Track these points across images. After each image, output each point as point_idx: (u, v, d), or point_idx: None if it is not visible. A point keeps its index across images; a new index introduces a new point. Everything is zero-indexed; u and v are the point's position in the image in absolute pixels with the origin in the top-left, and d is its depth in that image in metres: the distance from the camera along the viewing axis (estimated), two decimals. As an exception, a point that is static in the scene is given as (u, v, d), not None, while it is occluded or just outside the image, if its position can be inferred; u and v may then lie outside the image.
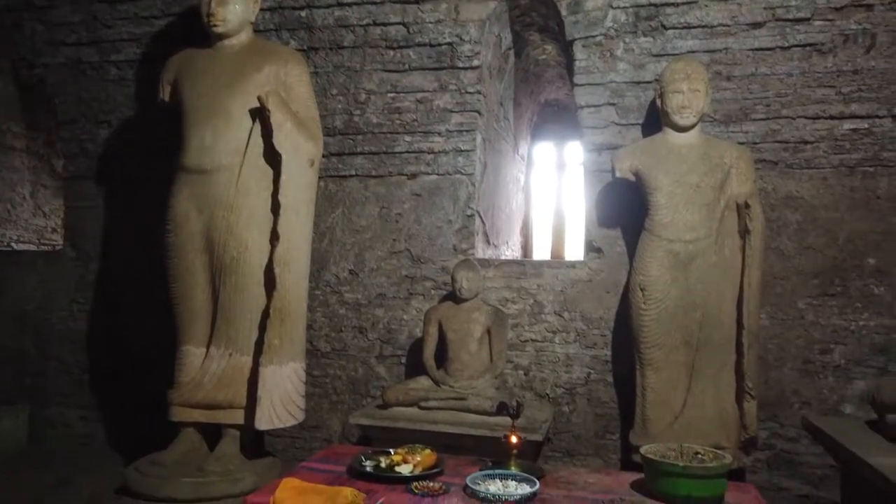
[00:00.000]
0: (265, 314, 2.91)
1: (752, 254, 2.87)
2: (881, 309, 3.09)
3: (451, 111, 3.63)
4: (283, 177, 2.93)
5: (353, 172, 3.77)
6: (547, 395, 3.46)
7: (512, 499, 1.93)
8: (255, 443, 3.07)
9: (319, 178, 3.23)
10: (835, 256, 3.15)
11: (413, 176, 3.70)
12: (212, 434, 3.03)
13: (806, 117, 3.17)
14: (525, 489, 2.01)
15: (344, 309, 3.77)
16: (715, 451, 2.15)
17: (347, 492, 1.98)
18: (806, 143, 3.18)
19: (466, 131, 3.62)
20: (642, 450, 2.17)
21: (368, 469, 2.20)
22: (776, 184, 3.21)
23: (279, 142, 2.93)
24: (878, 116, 3.11)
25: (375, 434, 3.03)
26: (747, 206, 2.88)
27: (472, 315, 3.19)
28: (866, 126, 3.12)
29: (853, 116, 3.13)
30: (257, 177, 2.99)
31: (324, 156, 3.33)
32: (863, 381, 3.03)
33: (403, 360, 3.67)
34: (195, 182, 3.01)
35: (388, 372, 3.68)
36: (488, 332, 3.17)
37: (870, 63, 3.10)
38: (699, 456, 2.11)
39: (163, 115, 3.43)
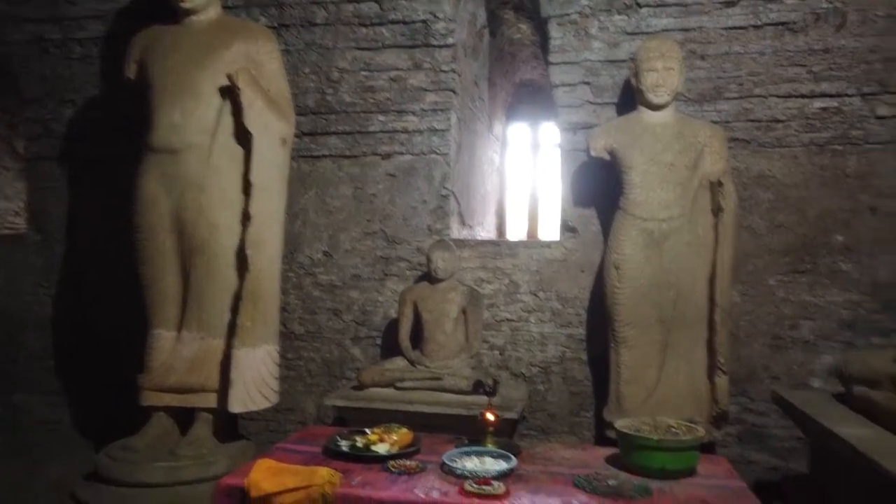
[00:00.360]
0: (237, 296, 2.86)
1: (725, 232, 2.90)
2: (849, 285, 3.15)
3: (426, 90, 3.59)
4: (255, 156, 2.87)
5: (327, 152, 3.72)
6: (522, 374, 3.48)
7: (489, 475, 1.93)
8: (228, 426, 3.03)
9: (292, 158, 3.18)
10: (805, 234, 3.20)
11: (387, 156, 3.66)
12: (184, 418, 2.98)
13: (777, 96, 3.20)
14: (502, 465, 2.02)
15: (318, 291, 3.73)
16: (688, 424, 2.18)
17: (324, 471, 1.97)
18: (777, 121, 3.21)
19: (441, 111, 3.58)
20: (617, 424, 2.19)
21: (344, 449, 2.18)
22: (748, 162, 3.24)
23: (250, 121, 2.86)
24: (847, 95, 3.14)
25: (351, 415, 3.02)
26: (720, 184, 2.91)
27: (447, 295, 3.18)
28: (836, 105, 3.16)
29: (823, 95, 3.17)
30: (228, 156, 2.93)
31: (296, 135, 3.27)
32: (830, 355, 3.08)
33: (378, 341, 3.65)
34: (164, 162, 2.94)
35: (364, 354, 3.66)
36: (464, 312, 3.17)
37: (840, 42, 3.13)
38: (672, 429, 2.14)
39: (129, 93, 3.33)
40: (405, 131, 3.63)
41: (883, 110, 3.12)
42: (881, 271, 3.12)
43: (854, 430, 2.14)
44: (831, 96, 3.16)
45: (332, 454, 2.18)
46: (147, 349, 3.00)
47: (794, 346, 3.18)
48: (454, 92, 3.58)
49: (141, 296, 3.04)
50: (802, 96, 3.19)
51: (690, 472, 2.04)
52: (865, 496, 2.12)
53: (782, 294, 3.20)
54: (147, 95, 3.02)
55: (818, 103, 3.18)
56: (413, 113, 3.62)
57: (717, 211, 2.93)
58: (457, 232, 3.71)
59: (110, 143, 3.80)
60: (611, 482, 1.93)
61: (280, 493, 1.89)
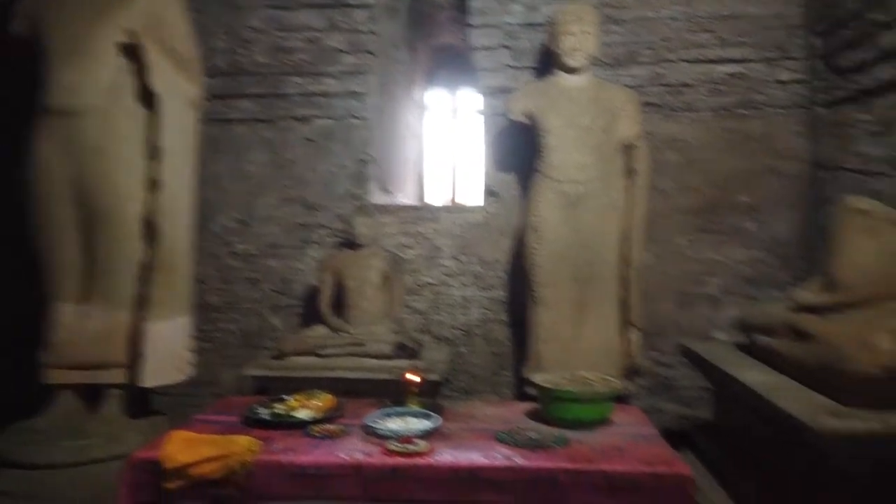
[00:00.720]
0: (146, 267, 2.73)
1: (639, 194, 3.00)
2: (751, 243, 3.33)
3: (343, 52, 3.50)
4: (162, 120, 2.72)
5: (240, 116, 3.57)
6: (445, 337, 3.51)
7: (412, 434, 1.94)
8: (140, 402, 2.91)
9: (201, 122, 3.03)
10: (711, 195, 3.34)
11: (305, 120, 3.56)
12: (92, 396, 2.84)
13: (687, 61, 3.31)
14: (425, 424, 2.04)
15: (234, 260, 3.61)
16: (603, 377, 2.26)
17: (243, 440, 1.92)
18: (687, 86, 3.32)
19: (360, 73, 3.51)
20: (537, 379, 2.24)
21: (264, 416, 2.14)
22: (660, 126, 3.34)
23: (155, 81, 2.71)
24: (751, 61, 3.29)
25: (272, 385, 2.96)
26: (634, 147, 2.99)
27: (368, 262, 3.15)
28: (741, 70, 3.30)
29: (729, 61, 3.30)
30: (131, 120, 2.76)
31: (206, 98, 3.12)
32: (734, 309, 3.26)
33: (299, 310, 3.58)
34: (61, 125, 2.73)
35: (284, 323, 3.59)
36: (386, 278, 3.15)
37: (746, 9, 3.26)
38: (588, 382, 2.21)
39: (19, 49, 3.07)
40: (323, 94, 3.53)
41: (784, 75, 3.29)
42: (780, 229, 3.31)
43: (755, 375, 2.28)
44: (737, 62, 3.30)
45: (251, 423, 2.13)
46: (48, 324, 2.82)
47: (701, 302, 3.35)
48: (372, 54, 3.51)
49: (39, 268, 2.84)
50: (710, 62, 3.31)
51: (606, 422, 2.13)
52: (762, 434, 2.27)
53: (690, 252, 3.35)
54: (40, 52, 2.79)
55: (725, 68, 3.31)
56: (331, 75, 3.52)
57: (631, 173, 3.02)
58: (377, 198, 3.66)
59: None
60: (531, 434, 1.99)
61: (196, 463, 1.84)
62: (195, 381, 3.08)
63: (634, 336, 3.00)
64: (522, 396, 3.13)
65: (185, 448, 1.89)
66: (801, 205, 3.28)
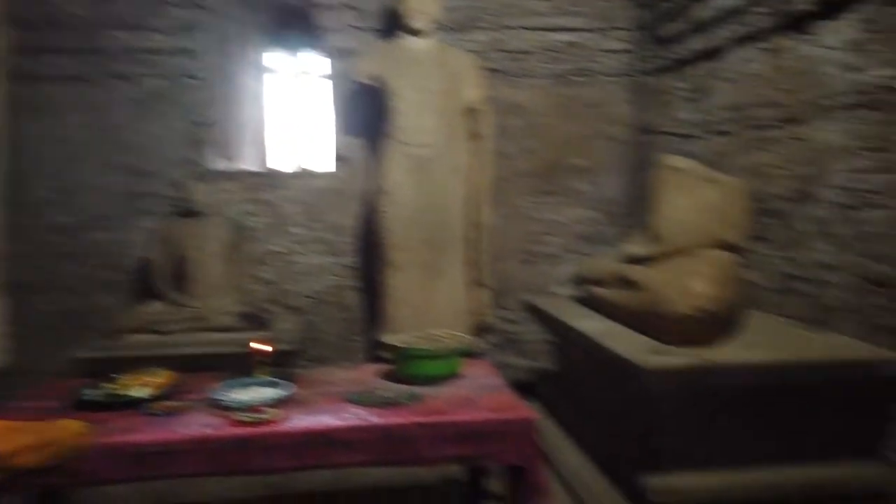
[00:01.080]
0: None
1: (485, 157, 3.09)
2: (586, 204, 3.56)
3: (171, 4, 3.23)
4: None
5: (55, 74, 3.20)
6: (296, 306, 3.42)
7: (261, 403, 1.88)
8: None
9: (7, 80, 2.67)
10: (550, 158, 3.52)
11: (131, 79, 3.26)
12: None
13: (526, 28, 3.42)
14: (276, 393, 1.98)
15: (54, 235, 3.26)
16: (452, 333, 2.33)
17: (72, 424, 1.75)
18: (526, 53, 3.45)
19: (192, 29, 3.26)
20: (389, 340, 2.26)
21: (95, 397, 1.97)
22: (502, 91, 3.44)
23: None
24: (584, 30, 3.47)
25: (104, 367, 2.71)
26: (479, 111, 3.06)
27: (208, 231, 2.99)
28: (576, 39, 3.47)
29: (565, 29, 3.46)
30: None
31: (10, 53, 2.75)
32: (571, 265, 3.47)
33: (133, 286, 3.32)
34: None
35: (116, 301, 3.31)
36: (229, 247, 3.00)
37: (579, -22, 3.43)
38: (439, 339, 2.26)
39: None
40: (151, 51, 3.25)
41: (613, 45, 3.51)
42: (610, 190, 3.56)
43: (589, 323, 2.46)
44: (571, 30, 3.47)
45: (82, 406, 1.95)
46: None
47: (542, 260, 3.54)
48: (203, 8, 3.27)
49: None
50: (547, 29, 3.45)
51: (457, 377, 2.19)
52: (597, 377, 2.47)
53: (532, 213, 3.51)
54: None
55: (561, 37, 3.47)
56: (158, 30, 3.24)
57: (476, 137, 3.10)
58: (216, 164, 3.46)
59: None
60: (384, 394, 2.00)
61: (15, 452, 1.65)
62: (12, 368, 2.77)
63: (484, 295, 3.11)
64: (377, 361, 3.14)
65: (1, 437, 1.69)
66: (629, 167, 3.55)
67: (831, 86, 2.23)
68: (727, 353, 2.00)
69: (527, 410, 1.91)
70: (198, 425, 1.80)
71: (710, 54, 2.91)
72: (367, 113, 3.32)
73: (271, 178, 3.46)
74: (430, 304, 3.09)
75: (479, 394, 2.04)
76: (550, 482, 2.34)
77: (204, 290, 2.93)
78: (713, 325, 2.11)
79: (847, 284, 2.17)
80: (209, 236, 2.97)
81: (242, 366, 2.27)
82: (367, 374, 2.31)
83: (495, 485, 2.30)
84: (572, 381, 2.85)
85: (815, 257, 2.33)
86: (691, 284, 2.12)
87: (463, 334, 2.39)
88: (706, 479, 1.96)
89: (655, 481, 1.94)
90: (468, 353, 2.37)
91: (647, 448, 2.05)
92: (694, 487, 1.94)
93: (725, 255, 2.31)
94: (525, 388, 3.24)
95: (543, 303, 2.96)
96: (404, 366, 2.16)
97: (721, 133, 2.89)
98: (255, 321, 2.83)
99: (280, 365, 2.50)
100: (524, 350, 3.55)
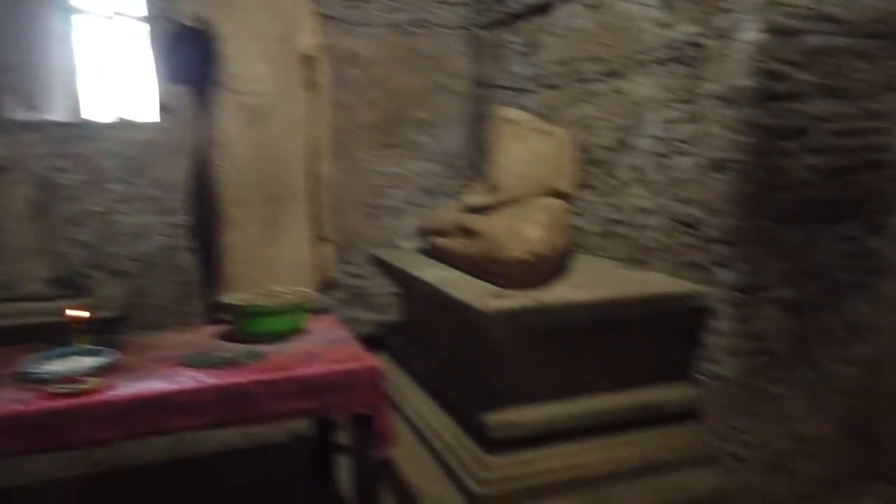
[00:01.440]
0: None
1: (322, 107, 2.99)
2: (428, 156, 3.59)
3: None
4: None
5: None
6: (121, 270, 3.15)
7: (79, 372, 1.72)
8: None
9: None
10: (389, 110, 3.49)
11: None
12: None
13: (362, -27, 3.33)
14: (96, 361, 1.82)
15: None
16: (294, 289, 2.27)
17: None
18: (363, 0, 3.35)
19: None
20: (228, 298, 2.16)
21: None
22: (339, 40, 3.34)
23: None
24: (420, -21, 3.44)
25: None
26: (314, 59, 2.95)
27: (9, 189, 2.65)
28: (412, -12, 3.44)
29: (400, -23, 3.41)
30: None
31: None
32: (415, 217, 3.50)
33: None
34: None
35: None
36: (35, 207, 2.68)
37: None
38: (280, 295, 2.19)
39: None
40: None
41: (444, -5, 3.51)
42: (450, 143, 3.62)
43: (433, 273, 2.50)
44: (406, -21, 3.42)
45: None
46: None
47: (386, 213, 3.54)
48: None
49: None
50: (382, -24, 3.38)
51: (300, 332, 2.14)
52: (442, 325, 2.54)
53: (374, 166, 3.48)
54: None
55: (396, -16, 3.41)
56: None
57: (312, 86, 2.98)
58: (16, 113, 3.05)
59: None
60: (222, 354, 1.91)
61: None
62: None
63: (328, 250, 3.05)
64: (217, 324, 3.00)
65: None
66: (468, 120, 3.62)
67: (646, 41, 2.40)
68: (558, 293, 2.13)
69: (371, 360, 1.92)
70: (6, 401, 1.61)
71: (541, 9, 3.01)
72: (193, 58, 3.07)
73: (85, 130, 3.12)
74: (272, 261, 2.98)
75: (323, 348, 2.01)
76: (397, 429, 2.39)
77: (7, 256, 2.60)
78: (545, 268, 2.24)
79: (661, 226, 2.38)
80: (11, 194, 2.63)
81: (59, 336, 2.07)
82: (205, 337, 2.20)
83: (344, 437, 2.31)
84: (419, 330, 2.91)
85: (633, 203, 2.53)
86: (525, 230, 2.22)
87: (306, 290, 2.34)
88: (542, 410, 2.09)
89: (494, 417, 2.04)
90: (313, 309, 2.33)
91: (488, 387, 2.15)
92: (531, 420, 2.07)
93: (557, 202, 2.44)
94: (374, 341, 3.27)
95: (389, 255, 2.97)
96: (244, 324, 2.08)
97: (551, 87, 3.02)
98: (71, 287, 2.57)
99: (103, 332, 2.31)
100: (372, 304, 3.56)
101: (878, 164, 2.18)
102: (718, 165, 2.10)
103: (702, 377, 2.22)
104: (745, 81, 1.99)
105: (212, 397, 1.71)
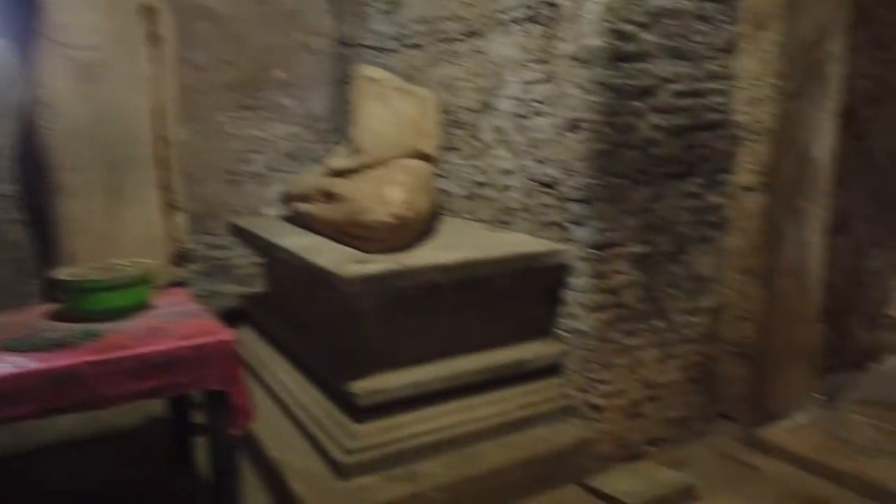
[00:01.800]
0: None
1: (167, 64, 2.75)
2: (291, 119, 3.41)
3: None
4: None
5: None
6: (-64, 248, 2.78)
7: None
8: None
9: None
10: (248, 70, 3.28)
11: None
12: None
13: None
14: None
15: None
16: (136, 261, 2.09)
17: None
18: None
19: None
20: (60, 274, 1.95)
21: None
22: (186, -9, 3.08)
23: None
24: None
25: None
26: (154, 10, 2.69)
27: None
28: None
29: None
30: None
31: None
32: (279, 184, 3.34)
33: None
34: None
35: None
36: None
37: None
38: (121, 268, 2.01)
39: None
40: None
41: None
42: (315, 105, 3.46)
43: (295, 240, 2.40)
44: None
45: None
46: None
47: (248, 180, 3.34)
48: None
49: None
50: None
51: (143, 307, 1.98)
52: (305, 293, 2.44)
53: (231, 130, 3.27)
54: None
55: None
56: None
57: (155, 41, 2.73)
58: None
59: None
60: (49, 335, 1.72)
61: None
62: None
63: (179, 219, 2.84)
64: (55, 303, 2.73)
65: None
66: (332, 81, 3.47)
67: (504, 0, 2.38)
68: (422, 256, 2.10)
69: (224, 333, 1.80)
70: None
71: (403, -34, 2.93)
72: (11, 6, 2.71)
73: None
74: (118, 232, 2.73)
75: (171, 323, 1.87)
76: (260, 403, 2.29)
77: None
78: (409, 230, 2.20)
79: (523, 187, 2.41)
80: None
81: None
82: (34, 317, 1.99)
83: (201, 416, 2.18)
84: (283, 300, 2.80)
85: (497, 164, 2.54)
86: (388, 193, 2.16)
87: (150, 262, 2.16)
88: (408, 375, 2.07)
89: (360, 385, 1.99)
90: (163, 283, 2.17)
91: (353, 355, 2.10)
92: (397, 385, 2.04)
93: (420, 164, 2.40)
94: (237, 314, 3.12)
95: (248, 223, 2.82)
96: (78, 302, 1.89)
97: (414, 46, 2.95)
98: None
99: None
100: (234, 276, 3.37)
101: (717, 123, 2.31)
102: (573, 125, 2.13)
103: (563, 333, 2.29)
104: (596, 41, 2.03)
105: (36, 383, 1.54)
